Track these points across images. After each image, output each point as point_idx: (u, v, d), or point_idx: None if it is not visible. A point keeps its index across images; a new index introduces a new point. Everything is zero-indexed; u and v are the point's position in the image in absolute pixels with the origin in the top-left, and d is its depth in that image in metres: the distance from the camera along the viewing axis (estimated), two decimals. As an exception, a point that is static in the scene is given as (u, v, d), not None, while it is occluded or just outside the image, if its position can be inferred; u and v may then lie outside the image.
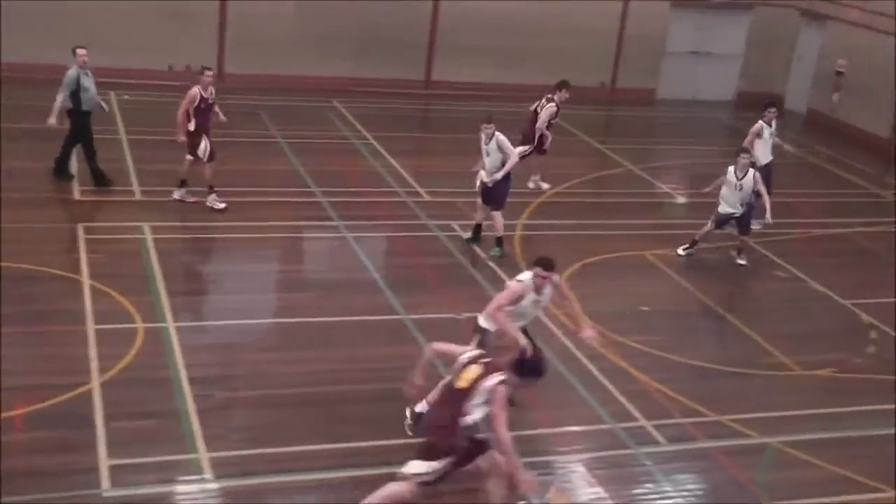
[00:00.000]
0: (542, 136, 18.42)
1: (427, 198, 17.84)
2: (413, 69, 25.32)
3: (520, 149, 17.16)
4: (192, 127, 15.92)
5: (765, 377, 12.98)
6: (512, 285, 10.86)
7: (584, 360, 12.73)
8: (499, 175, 15.29)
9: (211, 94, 16.09)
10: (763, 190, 16.14)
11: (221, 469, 9.82)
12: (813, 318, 15.10)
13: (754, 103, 27.47)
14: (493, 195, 15.53)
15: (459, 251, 15.72)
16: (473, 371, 8.73)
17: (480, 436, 8.88)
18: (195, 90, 15.88)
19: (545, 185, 18.98)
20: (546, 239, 16.73)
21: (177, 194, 16.38)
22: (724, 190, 16.22)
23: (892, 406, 12.46)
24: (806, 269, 16.51)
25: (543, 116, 18.32)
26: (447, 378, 9.52)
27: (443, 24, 25.22)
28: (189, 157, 16.13)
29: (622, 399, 11.93)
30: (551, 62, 26.06)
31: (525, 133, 18.49)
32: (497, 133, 15.24)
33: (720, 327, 14.35)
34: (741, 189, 16.03)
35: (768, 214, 16.20)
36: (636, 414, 11.64)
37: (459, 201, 17.57)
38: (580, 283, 15.02)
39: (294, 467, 10.04)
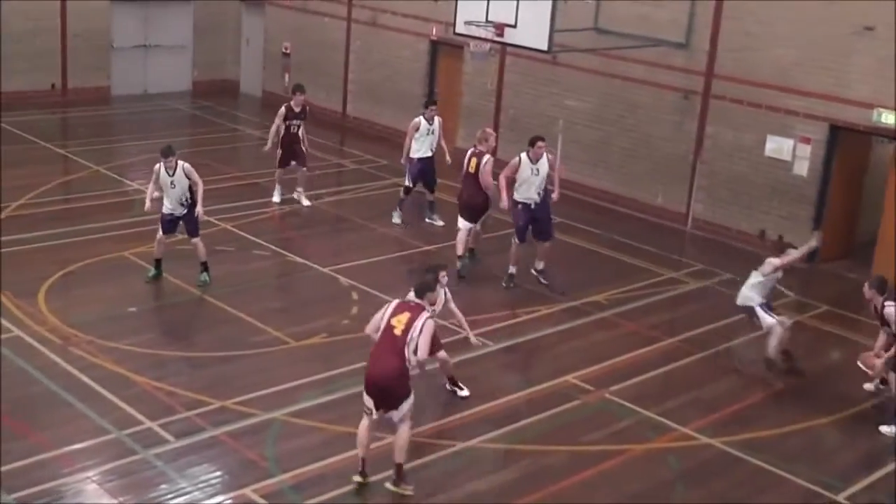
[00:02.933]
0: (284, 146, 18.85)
1: None
2: None
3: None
4: None
5: (260, 355, 13.20)
6: None
7: (77, 373, 12.24)
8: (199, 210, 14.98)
9: None
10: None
11: None
12: (298, 289, 15.63)
13: (210, 91, 28.05)
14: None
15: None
16: None
17: None
18: None
19: (306, 202, 19.09)
20: (20, 254, 15.78)
21: None
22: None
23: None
24: (283, 244, 17.01)
25: (276, 122, 18.72)
26: None
27: None
28: None
29: (123, 405, 11.61)
30: (-8, 69, 24.80)
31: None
32: (182, 162, 14.74)
33: (209, 314, 14.38)
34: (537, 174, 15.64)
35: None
36: (140, 417, 11.38)
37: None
38: (62, 295, 14.51)
39: None
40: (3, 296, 14.16)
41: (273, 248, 16.89)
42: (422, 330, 10.00)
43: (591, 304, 15.65)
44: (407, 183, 18.36)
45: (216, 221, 17.75)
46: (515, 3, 17.10)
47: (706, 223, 19.46)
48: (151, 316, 14.26)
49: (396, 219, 18.23)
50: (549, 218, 16.01)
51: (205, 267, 15.21)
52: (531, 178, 15.54)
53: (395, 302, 10.36)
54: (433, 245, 17.39)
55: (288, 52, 27.32)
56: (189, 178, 14.83)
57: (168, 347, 13.19)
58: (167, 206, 14.89)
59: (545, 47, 17.25)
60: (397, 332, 10.01)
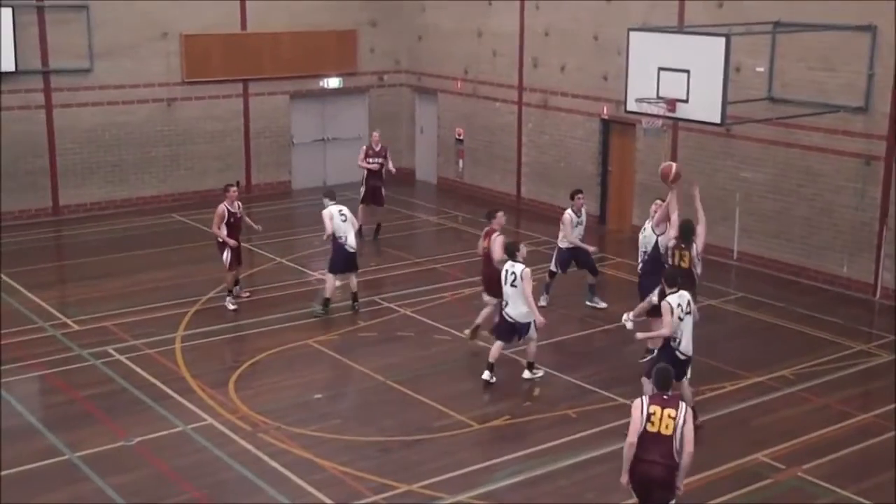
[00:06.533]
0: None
1: (76, 327, 17.10)
2: (38, 196, 24.34)
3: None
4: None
5: (445, 438, 13.28)
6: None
7: (267, 458, 12.57)
8: None
9: (238, 208, 18.34)
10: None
11: None
12: (480, 372, 15.63)
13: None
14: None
15: (120, 375, 15.14)
16: None
17: None
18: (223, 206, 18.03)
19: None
20: (210, 346, 16.47)
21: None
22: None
23: (565, 439, 13.16)
24: (463, 328, 17.08)
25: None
26: None
27: (61, 144, 24.43)
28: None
29: (312, 489, 11.86)
30: (183, 169, 26.10)
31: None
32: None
33: (393, 398, 14.56)
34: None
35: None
36: (328, 501, 11.59)
37: (111, 325, 17.07)
38: (251, 384, 14.96)
39: None
40: (196, 385, 14.78)
41: (453, 332, 17.03)
42: None
43: (778, 378, 15.20)
44: (552, 268, 18.08)
45: (396, 308, 18.07)
46: (686, 77, 17.01)
47: (897, 292, 18.75)
48: (337, 402, 14.54)
49: (543, 301, 17.93)
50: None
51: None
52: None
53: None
54: (612, 324, 17.24)
55: (461, 137, 27.84)
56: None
57: (354, 432, 13.39)
58: None
59: (718, 120, 17.06)
60: None
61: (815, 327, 17.42)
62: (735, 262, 21.04)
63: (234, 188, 18.41)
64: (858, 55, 18.73)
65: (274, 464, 12.48)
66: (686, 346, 12.88)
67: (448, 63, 27.88)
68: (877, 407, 14.24)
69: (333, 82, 28.27)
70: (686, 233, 14.64)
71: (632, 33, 18.14)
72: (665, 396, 9.66)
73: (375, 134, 23.55)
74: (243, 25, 26.58)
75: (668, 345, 12.83)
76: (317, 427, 13.50)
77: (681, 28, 20.69)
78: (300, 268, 20.80)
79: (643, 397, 9.75)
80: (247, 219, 18.63)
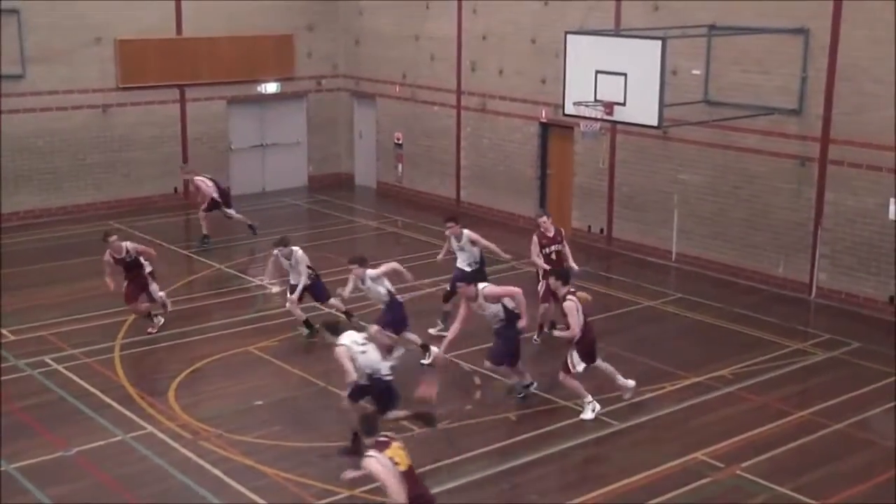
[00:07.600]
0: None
1: (12, 337, 16.83)
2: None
3: None
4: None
5: (387, 443, 13.25)
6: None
7: (208, 466, 12.47)
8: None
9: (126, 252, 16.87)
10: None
11: None
12: (420, 376, 15.61)
13: (325, 185, 28.67)
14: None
15: (58, 385, 14.92)
16: None
17: None
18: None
19: None
20: (149, 353, 16.33)
21: None
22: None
23: (506, 442, 13.20)
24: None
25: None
26: None
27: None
28: None
29: (254, 496, 11.79)
30: (120, 176, 25.83)
31: None
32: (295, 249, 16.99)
33: (333, 404, 14.48)
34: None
35: None
36: (270, 508, 11.55)
37: (48, 334, 16.84)
38: (191, 391, 14.83)
39: None
40: (136, 394, 14.65)
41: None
42: None
43: (717, 378, 15.37)
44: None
45: (337, 313, 17.99)
46: (623, 80, 17.16)
47: (831, 291, 19.02)
48: (278, 408, 14.44)
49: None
50: None
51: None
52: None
53: None
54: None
55: (400, 142, 27.83)
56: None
57: (296, 438, 13.33)
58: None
59: (655, 123, 17.23)
60: None
61: (752, 327, 17.64)
62: (674, 263, 21.27)
63: (114, 237, 16.88)
64: (792, 58, 19.02)
65: (216, 471, 12.37)
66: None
67: (386, 67, 27.87)
68: (813, 404, 14.45)
69: (271, 87, 28.15)
70: (566, 277, 14.26)
71: (569, 36, 18.27)
72: (382, 439, 9.90)
73: None
74: (179, 30, 26.38)
75: (373, 377, 12.90)
76: (258, 434, 13.42)
77: (617, 31, 20.85)
78: (239, 274, 20.66)
79: (372, 454, 9.70)
80: (149, 251, 17.42)
